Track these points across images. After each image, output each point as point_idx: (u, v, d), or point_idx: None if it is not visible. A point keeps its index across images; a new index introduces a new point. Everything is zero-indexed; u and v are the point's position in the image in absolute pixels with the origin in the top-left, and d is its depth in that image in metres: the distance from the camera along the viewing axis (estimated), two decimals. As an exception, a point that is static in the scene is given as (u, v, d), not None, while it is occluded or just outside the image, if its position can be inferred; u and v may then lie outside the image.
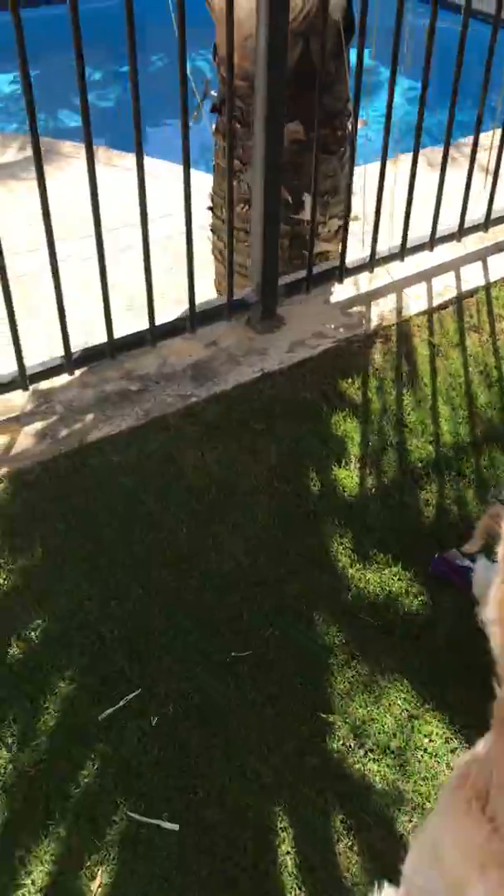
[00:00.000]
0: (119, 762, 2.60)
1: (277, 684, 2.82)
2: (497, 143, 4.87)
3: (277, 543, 3.30)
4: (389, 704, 2.75)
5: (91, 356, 4.03)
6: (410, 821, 2.49)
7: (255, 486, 3.53)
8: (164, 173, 6.58)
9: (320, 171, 4.29)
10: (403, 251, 4.78)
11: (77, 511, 3.35)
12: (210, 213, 5.09)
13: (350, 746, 2.68)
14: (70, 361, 3.90)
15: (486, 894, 1.56)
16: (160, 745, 2.65)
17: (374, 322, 4.54)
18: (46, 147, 4.94)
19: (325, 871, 2.41)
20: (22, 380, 3.78)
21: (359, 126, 4.35)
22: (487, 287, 4.81)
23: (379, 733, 2.72)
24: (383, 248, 4.70)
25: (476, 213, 4.97)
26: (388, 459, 3.75)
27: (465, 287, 4.80)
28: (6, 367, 3.80)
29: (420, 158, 4.47)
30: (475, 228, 5.03)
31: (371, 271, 4.75)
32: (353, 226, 4.57)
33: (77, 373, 3.97)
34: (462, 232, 4.96)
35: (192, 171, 3.77)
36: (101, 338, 4.02)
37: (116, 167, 7.15)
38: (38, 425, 3.73)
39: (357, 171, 4.41)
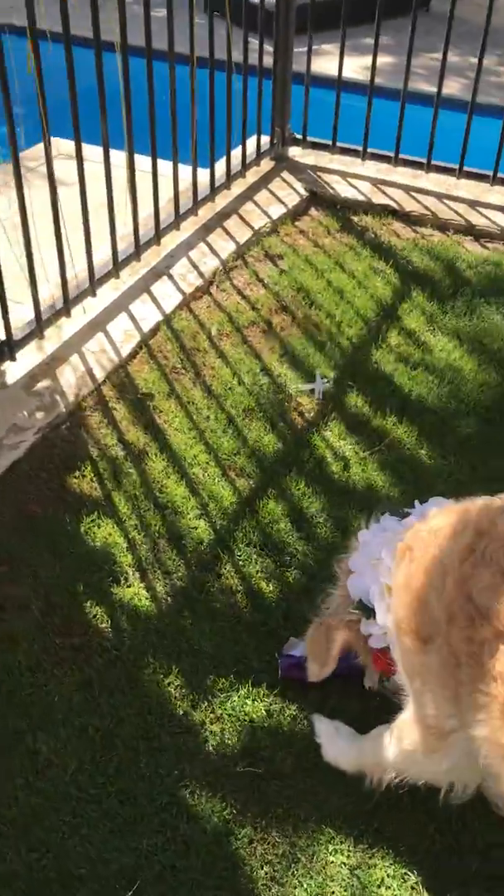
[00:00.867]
0: None
1: None
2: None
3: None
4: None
5: None
6: None
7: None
8: None
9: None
10: (68, 303, 4.18)
11: None
12: None
13: None
14: None
15: None
16: None
17: (70, 395, 3.90)
18: None
19: None
20: None
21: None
22: (167, 320, 4.41)
23: None
24: (42, 306, 4.05)
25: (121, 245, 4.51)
26: (167, 557, 3.22)
27: (146, 327, 4.34)
28: None
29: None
30: (129, 259, 4.57)
31: (41, 336, 4.08)
32: None
33: None
34: (117, 266, 4.47)
35: None
36: None
37: None
38: None
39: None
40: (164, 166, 4.55)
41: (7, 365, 3.98)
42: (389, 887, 2.40)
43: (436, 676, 2.13)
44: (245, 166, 5.45)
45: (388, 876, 2.42)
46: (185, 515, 3.39)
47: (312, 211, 5.39)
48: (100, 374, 4.04)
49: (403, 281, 4.74)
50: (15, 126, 3.53)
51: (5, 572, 3.14)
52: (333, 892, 2.40)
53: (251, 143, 5.48)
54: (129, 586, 3.12)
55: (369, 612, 2.43)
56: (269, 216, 5.23)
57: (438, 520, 2.29)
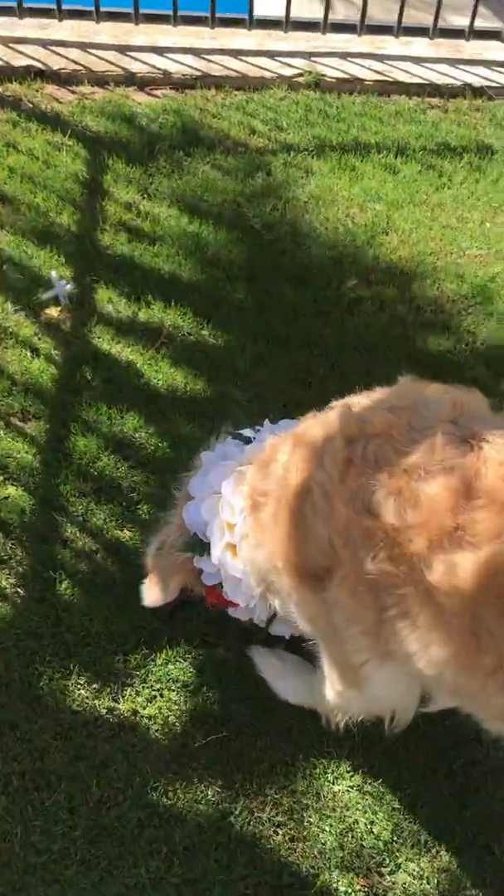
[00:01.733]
0: None
1: None
2: None
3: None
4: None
5: None
6: None
7: None
8: None
9: None
10: None
11: None
12: None
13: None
14: None
15: None
16: None
17: None
18: None
19: None
20: None
21: None
22: None
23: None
24: None
25: None
26: (-4, 538, 2.67)
27: None
28: None
29: None
30: None
31: None
32: None
33: None
34: None
35: None
36: None
37: None
38: None
39: None
40: None
41: None
42: (406, 789, 2.31)
43: (347, 613, 1.89)
44: None
45: (399, 780, 2.32)
46: None
47: None
48: None
49: (91, 150, 4.18)
50: None
51: None
52: (356, 819, 2.25)
53: None
54: (-37, 594, 2.55)
55: (203, 547, 2.24)
56: None
57: (285, 449, 2.05)
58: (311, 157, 4.28)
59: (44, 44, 4.75)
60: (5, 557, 2.65)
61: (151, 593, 2.38)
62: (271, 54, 4.83)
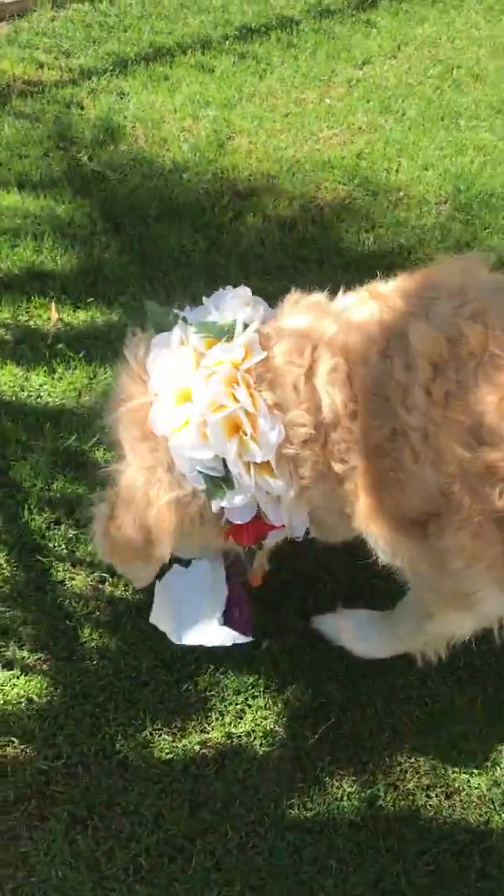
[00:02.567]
0: None
1: None
2: None
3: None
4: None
5: None
6: None
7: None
8: None
9: None
10: None
11: None
12: None
13: None
14: None
15: None
16: None
17: None
18: None
19: None
20: None
21: None
22: None
23: None
24: None
25: None
26: None
27: None
28: None
29: None
30: None
31: None
32: None
33: None
34: None
35: None
36: None
37: None
38: None
39: None
40: None
41: None
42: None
43: (468, 554, 1.75)
44: None
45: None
46: None
47: None
48: None
49: None
50: None
51: None
52: (497, 752, 2.16)
53: None
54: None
55: (222, 483, 1.81)
56: None
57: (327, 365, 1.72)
58: (117, 77, 3.89)
59: None
60: (5, 627, 2.30)
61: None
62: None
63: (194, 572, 2.16)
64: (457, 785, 2.11)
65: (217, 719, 2.17)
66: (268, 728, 2.16)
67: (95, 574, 2.39)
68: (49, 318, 2.96)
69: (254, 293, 3.11)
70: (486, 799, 2.10)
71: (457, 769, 2.13)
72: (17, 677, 2.21)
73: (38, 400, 2.76)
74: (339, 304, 1.90)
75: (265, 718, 2.18)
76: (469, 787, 2.11)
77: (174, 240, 3.23)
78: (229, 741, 2.14)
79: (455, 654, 2.15)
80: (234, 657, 2.26)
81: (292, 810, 2.05)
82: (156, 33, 4.12)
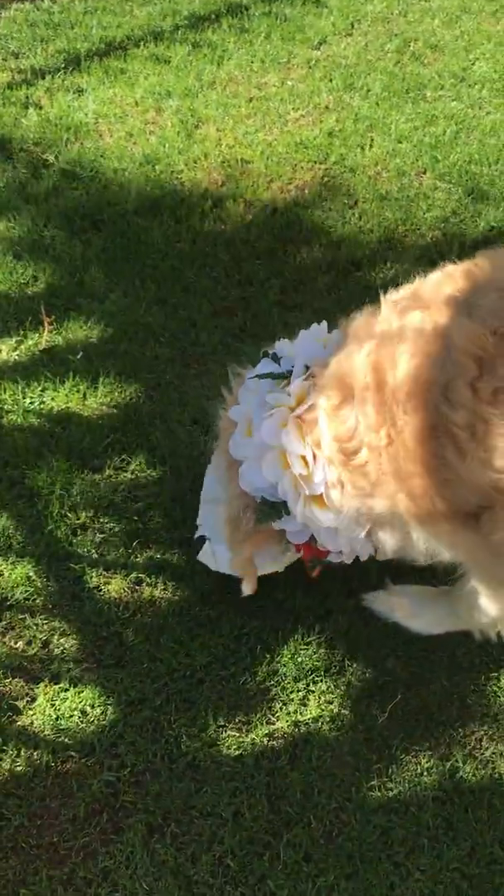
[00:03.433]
0: None
1: None
2: None
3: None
4: None
5: None
6: None
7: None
8: None
9: None
10: None
11: None
12: None
13: None
14: None
15: None
16: None
17: None
18: None
19: None
20: None
21: None
22: None
23: None
24: None
25: None
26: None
27: None
28: None
29: None
30: None
31: None
32: None
33: None
34: None
35: None
36: None
37: None
38: None
39: None
40: None
41: None
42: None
43: None
44: None
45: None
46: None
47: None
48: None
49: None
50: None
51: None
52: None
53: None
54: (28, 701, 2.11)
55: (278, 509, 2.02)
56: None
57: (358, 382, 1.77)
58: (72, 75, 3.83)
59: None
60: (45, 640, 2.22)
61: (247, 586, 2.15)
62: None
63: None
64: (534, 747, 2.10)
65: (281, 709, 2.13)
66: (334, 712, 2.13)
67: (132, 575, 2.33)
68: (41, 325, 2.89)
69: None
70: None
71: (532, 732, 2.13)
72: (66, 690, 2.14)
73: (42, 405, 2.69)
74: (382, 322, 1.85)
75: (330, 702, 2.14)
76: (547, 747, 2.11)
77: (157, 232, 3.18)
78: (297, 729, 2.10)
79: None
80: (288, 644, 2.22)
81: (374, 792, 2.01)
82: (104, 28, 4.07)
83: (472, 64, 3.96)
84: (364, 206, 3.32)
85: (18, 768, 2.02)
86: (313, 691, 2.16)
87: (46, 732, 2.07)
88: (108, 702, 2.12)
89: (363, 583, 2.32)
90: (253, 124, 3.64)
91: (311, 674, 2.18)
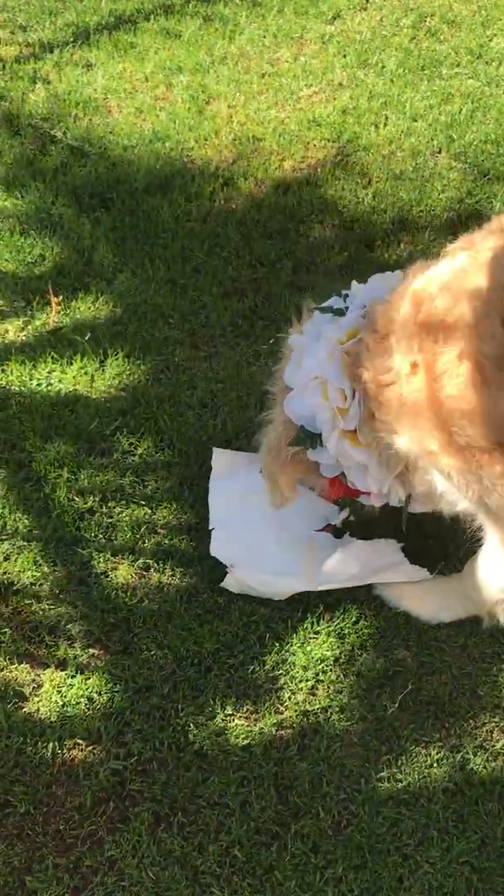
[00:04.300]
0: None
1: None
2: None
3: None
4: None
5: None
6: None
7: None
8: None
9: None
10: None
11: None
12: None
13: None
14: None
15: None
16: None
17: None
18: None
19: None
20: None
21: None
22: None
23: None
24: None
25: None
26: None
27: None
28: None
29: None
30: None
31: None
32: None
33: None
34: None
35: None
36: None
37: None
38: None
39: None
40: None
41: None
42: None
43: None
44: None
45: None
46: None
47: None
48: None
49: None
50: None
51: None
52: None
53: None
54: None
55: (314, 439, 2.07)
56: None
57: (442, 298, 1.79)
58: (80, 49, 3.78)
59: None
60: (52, 626, 2.21)
61: (273, 498, 2.24)
62: None
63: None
64: (547, 740, 2.09)
65: (290, 698, 2.12)
66: (344, 702, 2.11)
67: (139, 561, 2.32)
68: (48, 304, 2.87)
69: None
70: None
71: (543, 723, 2.11)
72: (73, 676, 2.13)
73: (50, 387, 2.68)
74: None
75: (339, 692, 2.13)
76: None
77: (167, 211, 3.14)
78: (306, 719, 2.09)
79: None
80: (297, 632, 2.21)
81: (383, 783, 2.01)
82: (114, 1, 4.01)
83: (490, 40, 3.89)
84: (378, 186, 3.27)
85: (24, 756, 2.02)
86: (322, 681, 2.15)
87: (53, 719, 2.06)
88: (115, 689, 2.11)
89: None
90: (265, 101, 3.59)
91: (321, 663, 2.17)
